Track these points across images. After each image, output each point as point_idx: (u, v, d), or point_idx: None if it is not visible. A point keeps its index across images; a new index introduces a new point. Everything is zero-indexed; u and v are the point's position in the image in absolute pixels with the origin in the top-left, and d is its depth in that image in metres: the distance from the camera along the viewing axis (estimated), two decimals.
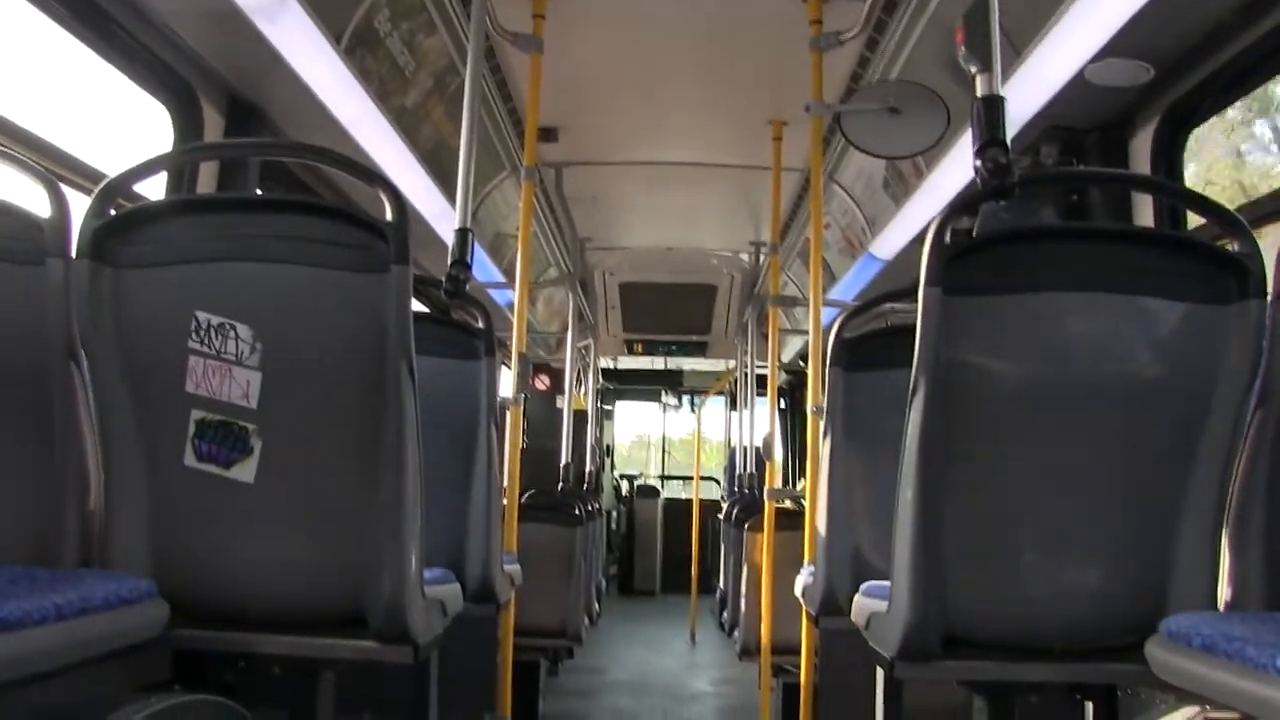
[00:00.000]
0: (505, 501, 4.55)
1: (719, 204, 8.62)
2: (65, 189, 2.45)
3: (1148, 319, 2.34)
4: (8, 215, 2.40)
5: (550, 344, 12.25)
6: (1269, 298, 2.30)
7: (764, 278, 8.69)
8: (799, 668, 4.96)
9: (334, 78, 4.37)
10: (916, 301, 2.33)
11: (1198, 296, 2.33)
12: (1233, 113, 4.46)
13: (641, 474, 18.34)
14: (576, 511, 6.82)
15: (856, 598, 2.97)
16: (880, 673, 2.97)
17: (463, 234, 3.84)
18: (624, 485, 16.89)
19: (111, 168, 2.60)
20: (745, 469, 10.38)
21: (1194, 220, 4.11)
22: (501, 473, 3.90)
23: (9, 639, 1.57)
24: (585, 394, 12.56)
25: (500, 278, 8.10)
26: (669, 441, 19.72)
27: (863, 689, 3.23)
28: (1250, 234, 2.36)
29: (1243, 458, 2.30)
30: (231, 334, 2.32)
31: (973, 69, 2.57)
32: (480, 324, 3.64)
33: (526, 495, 7.00)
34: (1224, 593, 2.30)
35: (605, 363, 14.74)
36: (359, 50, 4.45)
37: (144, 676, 2.40)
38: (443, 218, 5.91)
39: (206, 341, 2.33)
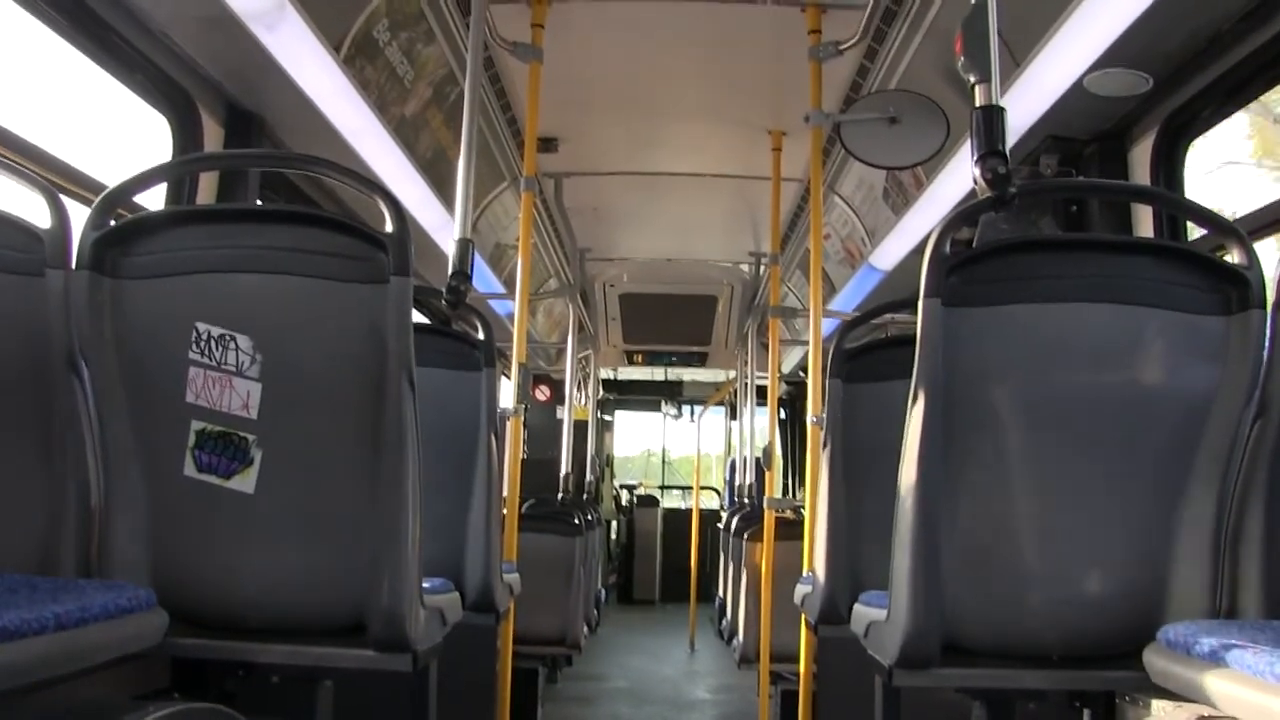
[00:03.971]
0: (505, 511, 4.55)
1: (719, 215, 8.63)
2: (65, 200, 2.46)
3: (1147, 330, 2.34)
4: (7, 226, 2.41)
5: (550, 355, 12.25)
6: (1268, 309, 2.30)
7: (764, 288, 8.70)
8: (798, 675, 4.98)
9: (333, 87, 4.38)
10: (916, 312, 2.34)
11: (1197, 307, 2.33)
12: None
13: (641, 483, 18.32)
14: (576, 521, 6.84)
15: (855, 606, 2.97)
16: (879, 681, 2.97)
17: (463, 245, 3.85)
18: (624, 495, 16.88)
19: (111, 179, 2.60)
20: (745, 479, 10.37)
21: (1194, 231, 4.11)
22: (501, 483, 3.90)
23: (9, 648, 1.57)
24: (585, 404, 12.55)
25: (500, 288, 8.10)
26: (667, 454, 19.72)
27: (861, 697, 3.23)
28: (1249, 244, 2.36)
29: (1242, 467, 2.30)
30: (231, 345, 2.32)
31: (972, 78, 2.58)
32: (481, 335, 3.64)
33: (526, 505, 7.00)
34: (1222, 600, 2.30)
35: (605, 373, 14.75)
36: (358, 60, 4.46)
37: (143, 685, 2.41)
38: (443, 228, 5.92)
39: (206, 352, 2.33)
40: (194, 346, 2.33)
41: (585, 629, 7.00)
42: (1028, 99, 4.28)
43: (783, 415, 13.89)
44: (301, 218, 2.46)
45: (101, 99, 3.89)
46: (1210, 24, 3.68)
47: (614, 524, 15.46)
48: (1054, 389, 2.37)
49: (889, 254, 6.96)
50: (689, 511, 13.64)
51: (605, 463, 15.59)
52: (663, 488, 18.44)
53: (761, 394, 9.52)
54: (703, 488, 14.04)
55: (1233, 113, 4.10)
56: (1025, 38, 3.99)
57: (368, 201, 2.47)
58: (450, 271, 3.78)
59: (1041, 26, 3.88)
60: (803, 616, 4.21)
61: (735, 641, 7.08)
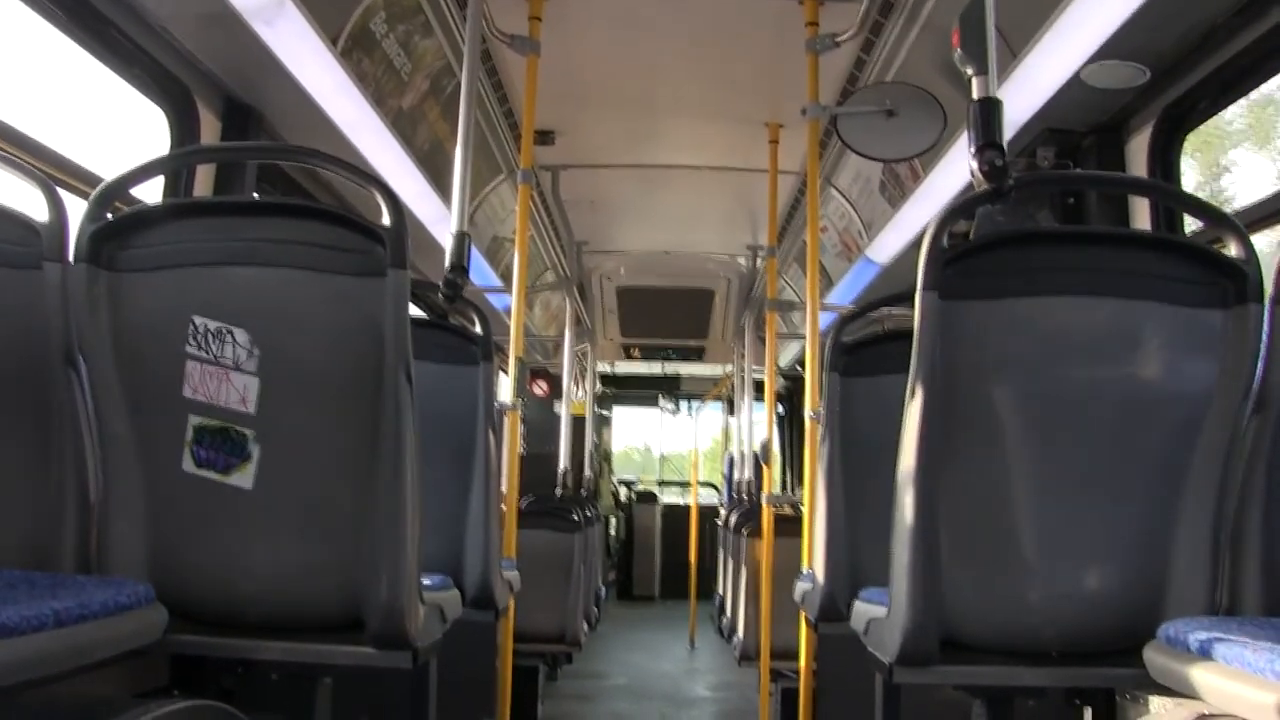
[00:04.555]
0: (504, 507, 4.54)
1: (716, 207, 8.61)
2: (62, 193, 2.45)
3: (1144, 323, 2.34)
4: (4, 219, 2.40)
5: (548, 349, 12.25)
6: (1266, 302, 2.30)
7: (761, 282, 8.69)
8: (798, 673, 4.97)
9: (330, 80, 4.37)
10: (913, 306, 2.33)
11: (1194, 301, 2.33)
12: None
13: (640, 479, 18.32)
14: (575, 517, 6.83)
15: (855, 603, 2.97)
16: (879, 678, 2.97)
17: (460, 238, 3.84)
18: (623, 491, 16.87)
19: (108, 171, 2.60)
20: (743, 475, 10.36)
21: (1191, 223, 4.11)
22: (500, 478, 3.89)
23: (7, 645, 1.56)
24: (583, 399, 12.54)
25: (498, 282, 8.09)
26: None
27: (861, 694, 3.22)
28: (1247, 237, 2.36)
29: (1241, 462, 2.30)
30: (229, 339, 2.32)
31: (969, 71, 2.57)
32: (478, 329, 3.64)
33: (525, 501, 7.00)
34: (1222, 597, 2.30)
35: (603, 367, 14.73)
36: (355, 53, 4.45)
37: (142, 682, 2.40)
38: (440, 222, 5.92)
39: (204, 346, 2.32)
40: (191, 340, 2.32)
41: (585, 626, 7.00)
42: (1025, 91, 4.28)
43: (781, 410, 13.86)
44: (298, 210, 2.45)
45: (98, 92, 3.89)
46: (1207, 16, 3.68)
47: (613, 520, 15.46)
48: (1052, 382, 2.37)
49: (886, 247, 6.96)
50: (688, 508, 13.64)
51: (603, 458, 15.59)
52: (661, 484, 18.43)
53: (759, 388, 9.52)
54: (701, 484, 14.04)
55: (1230, 105, 4.10)
56: (1022, 30, 3.98)
57: (365, 195, 2.46)
58: (447, 265, 3.78)
59: (1038, 19, 3.88)
60: (802, 614, 4.21)
61: (735, 638, 7.08)
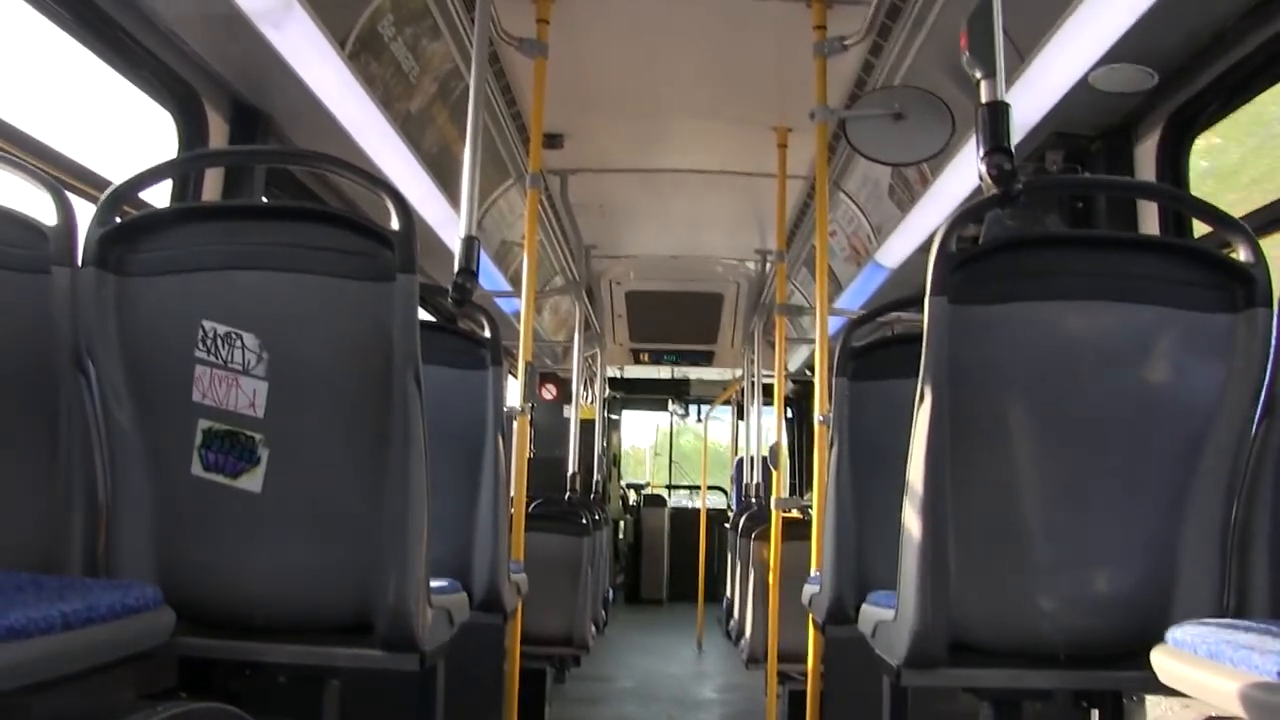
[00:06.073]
0: (512, 511, 4.54)
1: (725, 211, 8.61)
2: (71, 196, 2.45)
3: (1154, 327, 2.33)
4: (13, 223, 2.40)
5: (557, 353, 12.24)
6: (1275, 306, 2.30)
7: (770, 286, 8.68)
8: (805, 675, 4.97)
9: (338, 83, 4.37)
10: (922, 310, 2.33)
11: (1204, 305, 2.32)
12: None
13: (649, 483, 18.31)
14: (583, 521, 6.84)
15: (863, 606, 2.96)
16: (887, 681, 2.96)
17: (469, 242, 3.83)
18: (631, 494, 16.86)
19: (117, 175, 2.60)
20: (752, 478, 10.35)
21: (1200, 228, 4.10)
22: (509, 482, 3.89)
23: (15, 647, 1.56)
24: (592, 403, 12.54)
25: (506, 286, 8.08)
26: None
27: (869, 697, 3.22)
28: (1256, 242, 2.35)
29: (1249, 465, 2.29)
30: (238, 343, 2.32)
31: (977, 74, 2.57)
32: (487, 333, 3.64)
33: (534, 504, 7.00)
34: (1230, 600, 2.30)
35: (612, 371, 14.72)
36: (363, 55, 4.45)
37: (150, 685, 2.41)
38: (448, 225, 5.91)
39: (213, 350, 2.32)
40: (200, 345, 2.33)
41: (592, 629, 7.00)
42: (1033, 95, 4.27)
43: (790, 414, 13.85)
44: (307, 214, 2.46)
45: (107, 95, 3.89)
46: (1216, 19, 3.67)
47: (621, 523, 15.45)
48: (1061, 387, 2.37)
49: (895, 251, 6.95)
50: (696, 511, 13.64)
51: (612, 462, 15.57)
52: (670, 487, 18.42)
53: (768, 392, 9.52)
54: (710, 487, 14.03)
55: (1238, 108, 4.09)
56: (1030, 33, 3.97)
57: (373, 198, 2.47)
58: (456, 269, 3.77)
59: (1047, 22, 3.87)
60: (810, 616, 4.20)
61: (743, 641, 7.08)
